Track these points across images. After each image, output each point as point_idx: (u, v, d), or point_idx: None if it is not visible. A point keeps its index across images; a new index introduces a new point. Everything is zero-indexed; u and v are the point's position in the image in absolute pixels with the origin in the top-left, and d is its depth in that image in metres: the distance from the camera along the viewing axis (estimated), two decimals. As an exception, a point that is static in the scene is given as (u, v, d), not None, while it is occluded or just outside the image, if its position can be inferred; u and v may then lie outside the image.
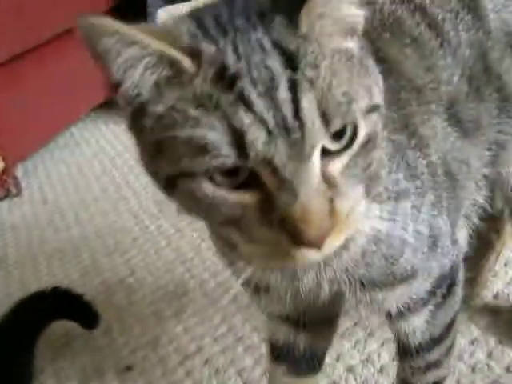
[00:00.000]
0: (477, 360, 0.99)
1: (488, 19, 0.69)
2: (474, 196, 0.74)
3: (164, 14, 2.11)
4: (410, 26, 0.66)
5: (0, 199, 1.96)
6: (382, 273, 0.63)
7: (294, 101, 0.44)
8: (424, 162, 0.63)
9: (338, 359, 1.04)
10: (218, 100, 0.44)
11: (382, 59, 0.61)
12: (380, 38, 0.64)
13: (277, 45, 0.46)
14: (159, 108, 0.47)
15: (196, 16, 0.50)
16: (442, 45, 0.66)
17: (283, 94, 0.44)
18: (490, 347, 1.01)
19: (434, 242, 0.65)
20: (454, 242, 0.70)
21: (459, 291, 0.74)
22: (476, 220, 0.76)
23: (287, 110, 0.44)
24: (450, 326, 0.74)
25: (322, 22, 0.47)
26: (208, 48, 0.46)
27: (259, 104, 0.44)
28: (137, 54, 0.45)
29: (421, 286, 0.67)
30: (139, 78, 0.46)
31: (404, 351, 0.76)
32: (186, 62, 0.45)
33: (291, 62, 0.45)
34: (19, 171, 2.12)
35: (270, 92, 0.44)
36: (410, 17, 0.66)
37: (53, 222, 1.77)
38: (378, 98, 0.49)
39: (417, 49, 0.65)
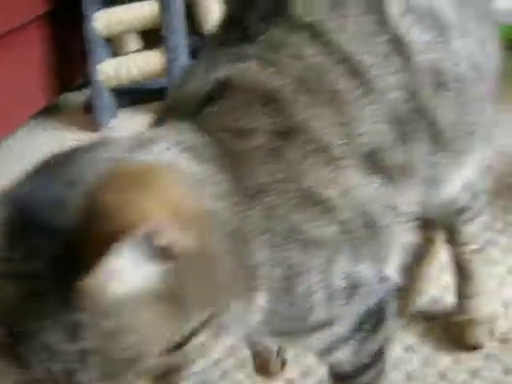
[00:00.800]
0: (412, 368, 0.99)
1: (416, 60, 0.68)
2: (404, 238, 0.72)
3: (101, 18, 2.06)
4: (331, 78, 0.64)
5: None
6: (292, 327, 0.63)
7: None
8: (330, 228, 0.61)
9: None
10: None
11: (289, 130, 0.60)
12: (295, 103, 0.62)
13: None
14: None
15: None
16: (364, 93, 0.64)
17: None
18: (425, 354, 1.01)
19: (352, 291, 0.64)
20: (383, 279, 0.69)
21: (389, 323, 0.73)
22: (406, 256, 0.75)
23: None
24: (380, 353, 0.74)
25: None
26: None
27: None
28: None
29: (340, 329, 0.66)
30: None
31: (334, 376, 0.77)
32: None
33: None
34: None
35: None
36: (335, 68, 0.64)
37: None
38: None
39: (334, 104, 0.63)
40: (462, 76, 0.73)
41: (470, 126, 0.77)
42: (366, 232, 0.64)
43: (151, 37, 2.23)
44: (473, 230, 0.93)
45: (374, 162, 0.64)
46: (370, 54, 0.66)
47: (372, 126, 0.64)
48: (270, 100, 0.61)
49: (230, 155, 0.58)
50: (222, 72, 0.64)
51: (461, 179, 0.82)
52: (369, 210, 0.64)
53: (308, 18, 0.66)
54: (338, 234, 0.62)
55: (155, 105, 2.11)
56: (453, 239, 0.97)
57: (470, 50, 0.75)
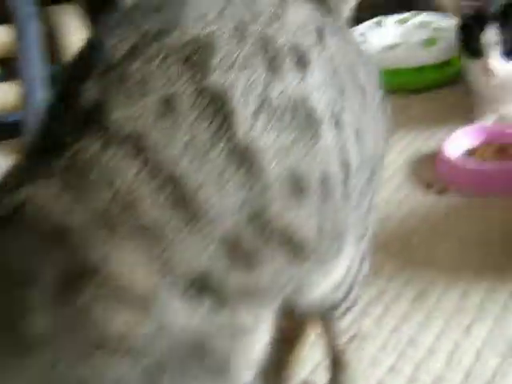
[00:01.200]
0: None
1: (267, 171, 0.58)
2: (259, 346, 0.65)
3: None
4: (147, 208, 0.53)
5: None
6: None
7: None
8: (137, 367, 0.54)
9: None
10: None
11: (81, 273, 0.52)
12: (92, 241, 0.52)
13: None
14: None
15: None
16: (188, 221, 0.55)
17: None
18: None
19: None
20: None
21: None
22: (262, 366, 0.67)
23: None
24: None
25: None
26: None
27: None
28: None
29: None
30: None
31: None
32: None
33: None
34: None
35: None
36: (153, 195, 0.54)
37: None
38: None
39: (146, 238, 0.53)
40: (329, 177, 0.64)
41: (339, 227, 0.69)
42: (195, 358, 0.58)
43: (11, 67, 2.04)
44: (346, 322, 0.87)
45: (203, 288, 0.56)
46: (201, 172, 0.55)
47: (198, 253, 0.56)
48: (60, 236, 0.52)
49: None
50: (18, 193, 0.54)
51: (330, 282, 0.75)
52: (197, 337, 0.57)
53: (129, 128, 0.55)
54: (150, 370, 0.55)
55: (16, 141, 1.95)
56: (325, 330, 0.90)
57: (342, 144, 0.66)
